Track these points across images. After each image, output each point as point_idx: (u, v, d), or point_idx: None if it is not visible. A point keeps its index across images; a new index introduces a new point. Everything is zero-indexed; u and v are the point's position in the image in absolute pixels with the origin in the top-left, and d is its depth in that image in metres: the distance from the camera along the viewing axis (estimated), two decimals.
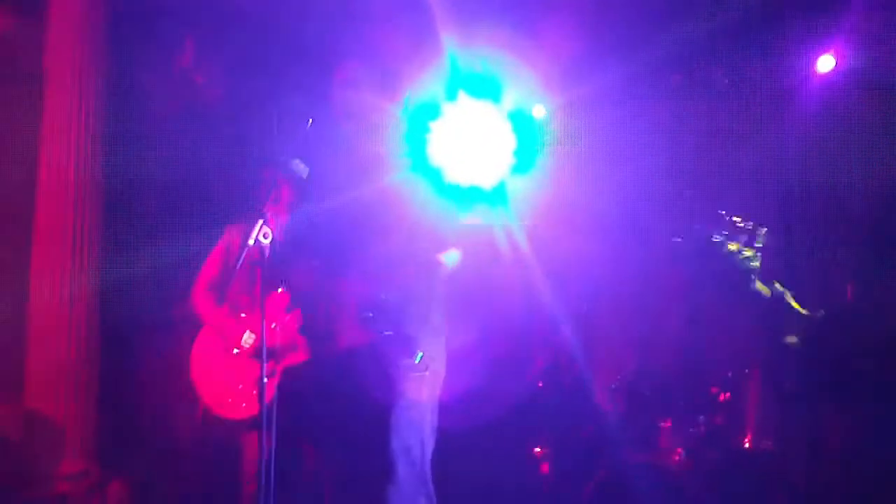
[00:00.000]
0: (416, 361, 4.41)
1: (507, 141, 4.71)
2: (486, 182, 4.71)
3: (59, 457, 5.62)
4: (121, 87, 5.75)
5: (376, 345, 4.48)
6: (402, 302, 4.47)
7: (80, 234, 5.71)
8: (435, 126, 4.59)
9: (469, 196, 4.65)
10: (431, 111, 4.60)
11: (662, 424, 5.34)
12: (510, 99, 4.76)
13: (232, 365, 4.77)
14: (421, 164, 4.57)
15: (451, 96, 4.63)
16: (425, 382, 4.42)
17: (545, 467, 5.51)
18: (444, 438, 4.57)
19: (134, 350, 5.86)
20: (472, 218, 4.85)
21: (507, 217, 5.14)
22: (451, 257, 4.54)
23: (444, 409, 4.53)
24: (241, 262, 4.12)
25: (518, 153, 4.73)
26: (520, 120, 4.79)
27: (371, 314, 4.50)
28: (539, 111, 5.57)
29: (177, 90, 5.85)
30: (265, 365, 4.06)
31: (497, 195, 4.78)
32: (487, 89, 4.71)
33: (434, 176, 4.57)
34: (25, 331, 5.71)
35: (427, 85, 4.60)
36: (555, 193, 5.54)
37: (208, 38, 5.76)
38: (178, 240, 5.63)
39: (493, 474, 5.25)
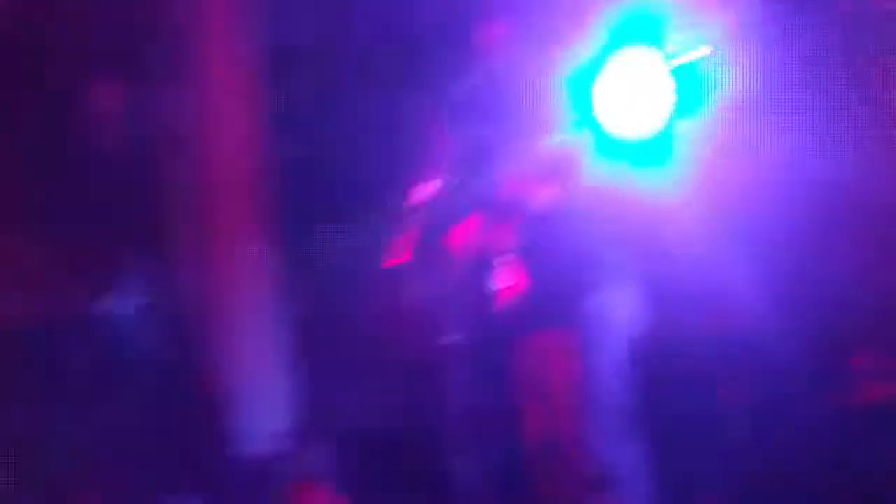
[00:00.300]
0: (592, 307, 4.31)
1: (669, 87, 4.53)
2: (650, 131, 4.54)
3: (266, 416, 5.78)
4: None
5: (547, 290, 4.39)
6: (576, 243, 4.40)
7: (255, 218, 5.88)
8: (597, 80, 4.47)
9: (636, 149, 4.51)
10: (593, 65, 4.46)
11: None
12: (674, 42, 4.53)
13: None
14: (585, 120, 4.48)
15: (614, 46, 4.47)
16: (609, 330, 4.37)
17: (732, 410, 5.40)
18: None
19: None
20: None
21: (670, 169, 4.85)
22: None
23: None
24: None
25: (682, 100, 4.54)
26: (683, 64, 4.56)
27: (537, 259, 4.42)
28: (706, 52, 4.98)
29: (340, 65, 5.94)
30: None
31: (662, 144, 4.61)
32: (650, 34, 4.52)
33: (598, 132, 4.47)
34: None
35: (588, 37, 4.45)
36: (729, 141, 5.10)
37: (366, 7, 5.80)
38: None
39: (674, 421, 5.16)
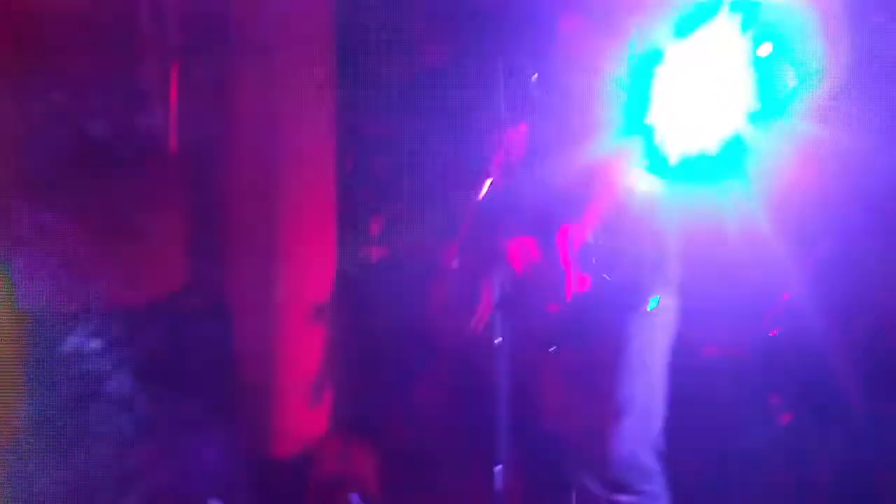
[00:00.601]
0: (650, 308, 4.34)
1: (746, 82, 4.23)
2: (715, 142, 4.34)
3: (303, 418, 5.86)
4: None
5: (600, 291, 4.37)
6: (630, 249, 4.37)
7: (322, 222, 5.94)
8: (660, 74, 4.28)
9: (693, 165, 4.36)
10: (655, 56, 4.26)
11: None
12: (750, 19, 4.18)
13: None
14: (640, 123, 4.32)
15: (683, 32, 4.21)
16: (657, 328, 4.35)
17: (785, 418, 5.36)
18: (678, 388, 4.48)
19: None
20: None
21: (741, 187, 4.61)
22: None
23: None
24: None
25: (762, 96, 4.26)
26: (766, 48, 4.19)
27: (595, 260, 4.41)
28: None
29: (406, 61, 5.98)
30: None
31: (729, 158, 4.36)
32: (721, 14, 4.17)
33: (652, 139, 4.32)
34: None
35: (654, 25, 4.27)
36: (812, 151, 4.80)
37: (434, 5, 5.83)
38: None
39: (727, 425, 5.13)
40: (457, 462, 5.41)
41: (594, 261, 4.36)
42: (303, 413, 5.90)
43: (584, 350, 4.42)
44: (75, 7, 5.42)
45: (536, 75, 4.30)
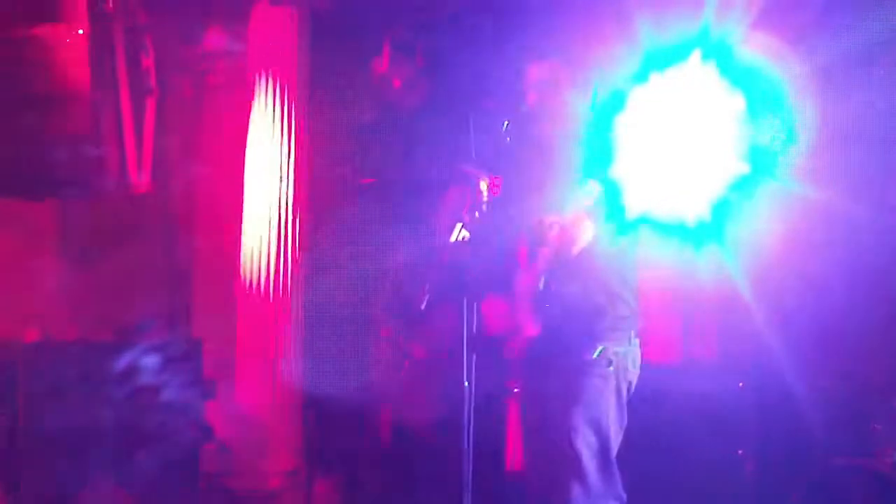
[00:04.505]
0: (595, 356, 4.31)
1: (720, 135, 3.95)
2: (692, 210, 4.11)
3: (269, 454, 5.85)
4: (322, 94, 5.95)
5: (553, 338, 4.31)
6: (583, 294, 4.29)
7: (285, 238, 5.94)
8: (621, 121, 4.09)
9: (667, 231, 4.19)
10: (616, 101, 4.07)
11: (874, 426, 5.15)
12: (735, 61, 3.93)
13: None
14: (604, 176, 4.10)
15: (645, 76, 3.98)
16: (609, 379, 4.32)
17: (749, 467, 5.37)
18: (637, 437, 4.44)
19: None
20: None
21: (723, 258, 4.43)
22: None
23: (633, 408, 4.37)
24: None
25: (744, 155, 3.99)
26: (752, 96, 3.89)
27: (548, 305, 4.36)
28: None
29: (375, 95, 5.99)
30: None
31: (707, 228, 4.14)
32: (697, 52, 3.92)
33: (615, 196, 4.10)
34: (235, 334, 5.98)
35: (615, 68, 4.12)
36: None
37: (404, 41, 5.84)
38: (379, 243, 5.79)
39: (690, 475, 5.13)
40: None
41: (547, 306, 4.35)
42: (271, 446, 5.90)
43: (540, 396, 4.44)
44: None
45: (507, 123, 4.28)
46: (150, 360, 5.46)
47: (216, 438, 5.80)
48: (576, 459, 4.22)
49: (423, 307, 4.77)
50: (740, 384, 5.42)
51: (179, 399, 5.49)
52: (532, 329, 4.31)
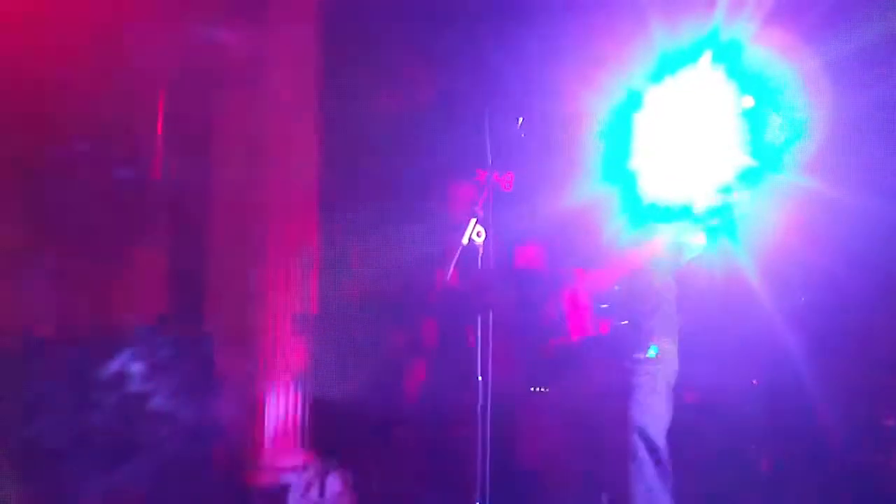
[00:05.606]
0: (651, 356, 4.34)
1: (731, 132, 4.07)
2: (701, 197, 4.23)
3: (282, 449, 5.86)
4: (338, 92, 5.94)
5: (611, 336, 4.40)
6: (634, 293, 4.38)
7: (296, 233, 5.94)
8: (639, 120, 4.21)
9: (674, 216, 4.29)
10: (634, 102, 4.20)
11: (887, 423, 5.16)
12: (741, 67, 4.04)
13: None
14: (619, 171, 4.23)
15: (661, 76, 4.11)
16: (659, 376, 4.37)
17: (764, 464, 5.37)
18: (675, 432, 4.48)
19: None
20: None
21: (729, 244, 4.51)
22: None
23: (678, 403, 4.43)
24: (455, 261, 4.21)
25: (747, 147, 4.12)
26: (756, 97, 4.02)
27: (605, 305, 4.40)
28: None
29: (390, 93, 5.99)
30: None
31: (717, 215, 4.27)
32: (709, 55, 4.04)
33: (631, 187, 4.23)
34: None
35: (632, 70, 4.21)
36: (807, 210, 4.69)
37: (421, 39, 5.83)
38: (391, 239, 5.80)
39: (704, 473, 5.14)
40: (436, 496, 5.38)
41: (605, 305, 4.41)
42: (283, 441, 5.91)
43: (582, 393, 4.47)
44: None
45: (522, 120, 4.29)
46: (162, 355, 5.48)
47: (228, 434, 5.81)
48: (636, 457, 4.31)
49: (433, 303, 4.80)
50: (754, 381, 5.44)
51: (191, 394, 5.50)
52: (602, 328, 4.37)
